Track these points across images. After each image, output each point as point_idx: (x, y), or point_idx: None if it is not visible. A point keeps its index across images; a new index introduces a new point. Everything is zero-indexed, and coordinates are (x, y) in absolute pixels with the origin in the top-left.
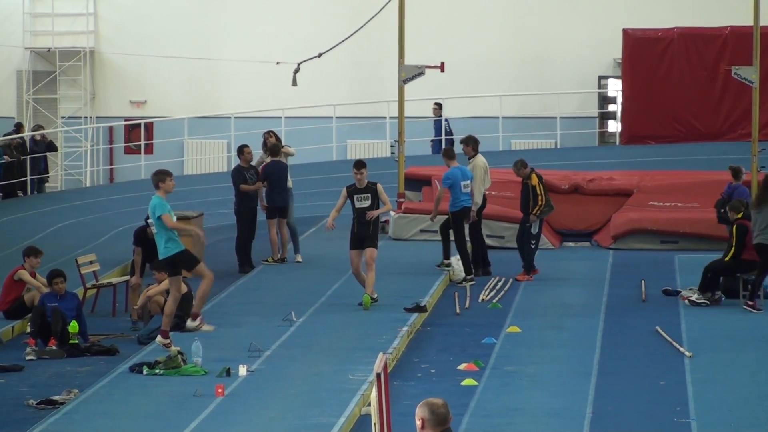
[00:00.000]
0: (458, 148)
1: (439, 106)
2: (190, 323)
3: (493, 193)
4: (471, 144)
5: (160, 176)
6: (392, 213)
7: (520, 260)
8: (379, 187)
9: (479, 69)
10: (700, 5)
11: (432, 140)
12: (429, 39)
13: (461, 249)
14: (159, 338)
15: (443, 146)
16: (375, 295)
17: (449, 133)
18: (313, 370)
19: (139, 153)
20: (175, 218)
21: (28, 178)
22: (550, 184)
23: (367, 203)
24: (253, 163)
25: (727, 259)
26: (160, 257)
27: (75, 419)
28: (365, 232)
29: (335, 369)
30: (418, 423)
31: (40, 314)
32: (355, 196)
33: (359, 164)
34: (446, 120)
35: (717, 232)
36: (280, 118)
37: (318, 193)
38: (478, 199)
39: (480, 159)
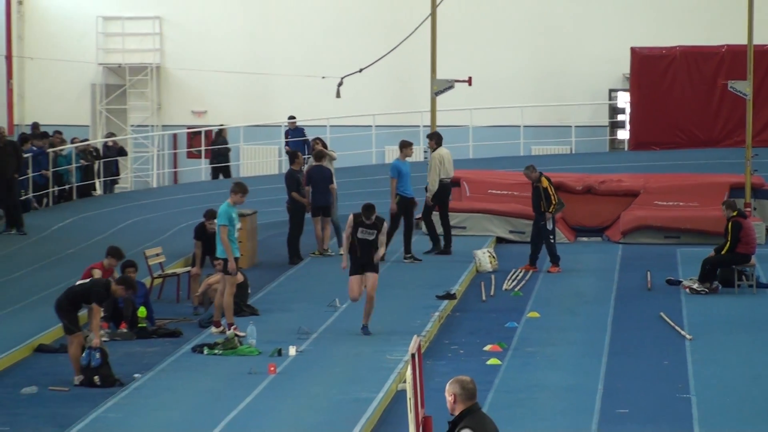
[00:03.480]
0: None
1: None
2: (212, 329)
3: (514, 193)
4: (434, 139)
5: (234, 188)
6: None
7: (531, 255)
8: (385, 225)
9: (503, 83)
10: (700, 26)
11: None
12: (458, 56)
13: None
14: (213, 328)
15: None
16: (368, 327)
17: None
18: (355, 350)
19: (200, 157)
20: (238, 226)
21: (102, 179)
22: (565, 186)
23: (371, 238)
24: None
25: (723, 252)
26: (217, 255)
27: (143, 394)
28: (367, 257)
29: (374, 350)
30: (450, 398)
31: (112, 301)
32: (361, 229)
33: (369, 210)
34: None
35: (714, 229)
36: (326, 126)
37: (359, 193)
38: (431, 186)
39: (438, 151)
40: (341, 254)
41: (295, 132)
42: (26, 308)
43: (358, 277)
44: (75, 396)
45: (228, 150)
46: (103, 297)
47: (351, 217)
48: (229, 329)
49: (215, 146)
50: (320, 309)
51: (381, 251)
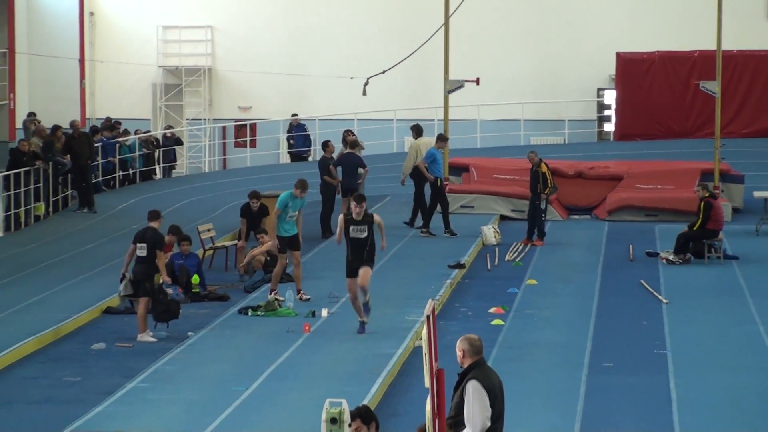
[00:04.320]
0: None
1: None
2: (269, 297)
3: (516, 177)
4: (414, 131)
5: (297, 183)
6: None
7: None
8: (376, 217)
9: (506, 82)
10: (676, 34)
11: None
12: (467, 59)
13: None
14: (270, 296)
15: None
16: (367, 322)
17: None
18: (379, 312)
19: (245, 147)
20: (291, 213)
21: (161, 165)
22: (559, 171)
23: (363, 234)
24: (334, 155)
25: (695, 228)
26: (277, 233)
27: (196, 349)
28: (359, 261)
29: (395, 312)
30: (460, 353)
31: (170, 270)
32: (352, 227)
33: (359, 198)
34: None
35: (688, 208)
36: (353, 120)
37: (382, 177)
38: (404, 170)
39: (417, 141)
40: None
41: (297, 128)
42: (96, 276)
43: (354, 279)
44: (138, 351)
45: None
46: (162, 243)
47: (341, 217)
48: (270, 294)
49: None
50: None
51: (384, 238)
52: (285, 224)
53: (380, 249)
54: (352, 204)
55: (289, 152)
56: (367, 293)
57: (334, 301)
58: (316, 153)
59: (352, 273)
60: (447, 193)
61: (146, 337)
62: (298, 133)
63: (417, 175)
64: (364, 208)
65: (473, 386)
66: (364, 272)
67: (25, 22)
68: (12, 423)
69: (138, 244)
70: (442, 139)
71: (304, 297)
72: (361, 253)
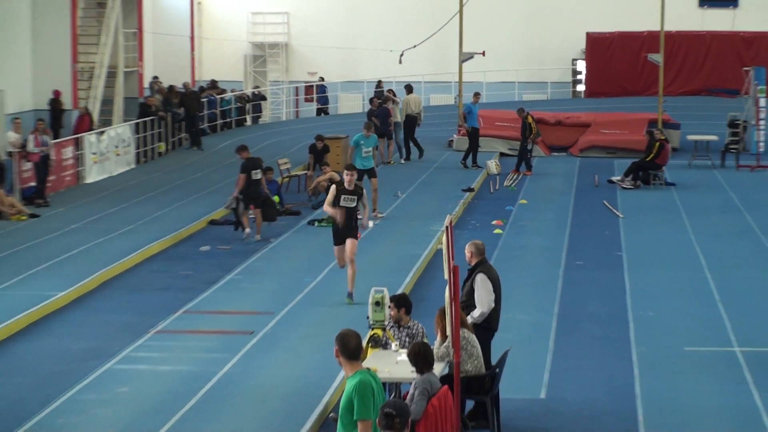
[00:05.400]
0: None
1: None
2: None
3: (511, 125)
4: (407, 89)
5: (365, 125)
6: (370, 224)
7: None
8: (364, 191)
9: (504, 53)
10: (630, 18)
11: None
12: (476, 36)
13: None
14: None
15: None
16: (353, 294)
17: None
18: (409, 225)
19: (312, 102)
20: (365, 149)
21: (250, 115)
22: (544, 120)
23: (352, 204)
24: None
25: (649, 159)
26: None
27: (277, 251)
28: (347, 228)
29: (421, 224)
30: (468, 254)
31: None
32: (343, 196)
33: (351, 167)
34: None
35: (638, 147)
36: (392, 81)
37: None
38: (397, 115)
39: (407, 97)
40: (401, 162)
41: (321, 88)
42: (203, 197)
43: (341, 247)
44: (234, 252)
45: (327, 98)
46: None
47: (333, 186)
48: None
49: (320, 95)
50: (387, 197)
51: (366, 213)
52: (361, 159)
53: (362, 226)
54: (345, 172)
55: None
56: (353, 263)
57: (394, 199)
58: (334, 109)
59: (339, 240)
60: (460, 136)
61: (247, 230)
62: (321, 94)
63: (407, 121)
64: (355, 176)
65: (480, 278)
66: (352, 244)
67: (150, 9)
68: (142, 304)
69: (252, 171)
70: (477, 95)
71: (379, 215)
72: (349, 222)
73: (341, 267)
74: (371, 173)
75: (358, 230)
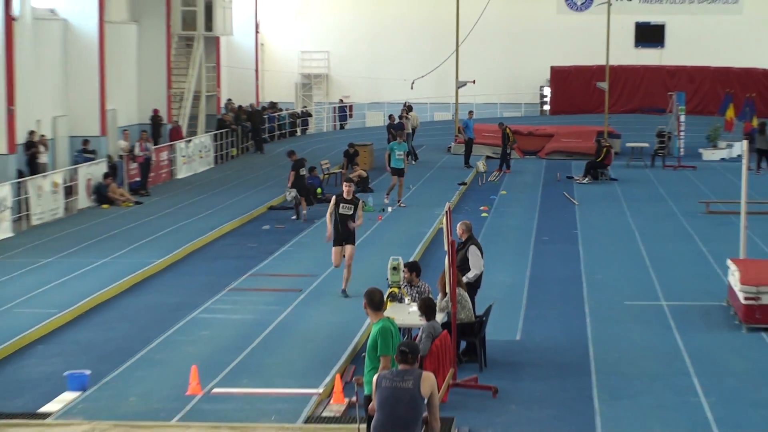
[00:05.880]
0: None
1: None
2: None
3: (495, 135)
4: (406, 108)
5: (397, 133)
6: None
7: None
8: (361, 202)
9: (490, 81)
10: (583, 55)
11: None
12: (469, 68)
13: None
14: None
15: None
16: (346, 291)
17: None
18: (419, 209)
19: (347, 118)
20: (398, 152)
21: (300, 128)
22: (518, 131)
23: (350, 212)
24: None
25: (598, 160)
26: (390, 165)
27: (319, 229)
28: (346, 233)
29: (427, 208)
30: (460, 231)
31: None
32: (341, 204)
33: (349, 180)
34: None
35: (589, 152)
36: (405, 102)
37: (420, 137)
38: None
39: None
40: (412, 163)
41: (341, 108)
42: (263, 189)
43: (339, 248)
44: (288, 230)
45: (350, 115)
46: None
47: (333, 197)
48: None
49: (340, 114)
50: (404, 189)
51: (358, 222)
52: (395, 161)
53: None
54: (344, 185)
55: (338, 123)
56: (350, 268)
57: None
58: (362, 124)
59: (338, 242)
60: (457, 144)
61: (304, 211)
62: (342, 113)
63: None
64: (352, 188)
65: (473, 248)
66: (351, 250)
67: (226, 48)
68: (218, 269)
69: (300, 169)
70: (470, 112)
71: (402, 205)
72: (348, 225)
73: (336, 266)
74: (400, 173)
75: (355, 238)
